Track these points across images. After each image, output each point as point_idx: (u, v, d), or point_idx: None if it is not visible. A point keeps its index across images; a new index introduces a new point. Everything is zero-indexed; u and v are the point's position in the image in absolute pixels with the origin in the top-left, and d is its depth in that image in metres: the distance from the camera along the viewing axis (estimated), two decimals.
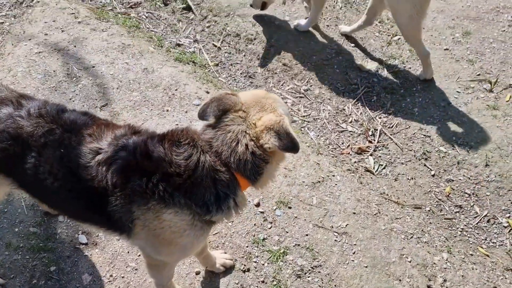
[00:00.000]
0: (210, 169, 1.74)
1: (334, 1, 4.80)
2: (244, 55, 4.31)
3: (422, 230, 3.09)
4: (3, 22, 4.30)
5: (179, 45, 4.37)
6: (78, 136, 1.81)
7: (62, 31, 4.13)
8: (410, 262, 2.83)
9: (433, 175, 3.49)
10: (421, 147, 3.64)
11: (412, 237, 3.01)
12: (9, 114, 1.84)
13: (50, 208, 2.42)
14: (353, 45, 4.44)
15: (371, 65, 4.27)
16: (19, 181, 1.96)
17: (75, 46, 3.97)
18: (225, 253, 2.73)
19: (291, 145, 1.71)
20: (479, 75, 4.07)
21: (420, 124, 3.78)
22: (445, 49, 4.31)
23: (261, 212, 2.96)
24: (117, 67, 3.81)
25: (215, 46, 4.38)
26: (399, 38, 4.51)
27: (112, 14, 4.55)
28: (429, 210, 3.28)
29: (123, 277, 2.64)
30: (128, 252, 2.74)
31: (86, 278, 2.62)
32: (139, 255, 2.73)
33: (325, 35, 4.44)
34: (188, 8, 4.66)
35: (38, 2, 4.48)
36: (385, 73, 4.20)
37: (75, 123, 1.86)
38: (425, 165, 3.56)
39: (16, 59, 3.79)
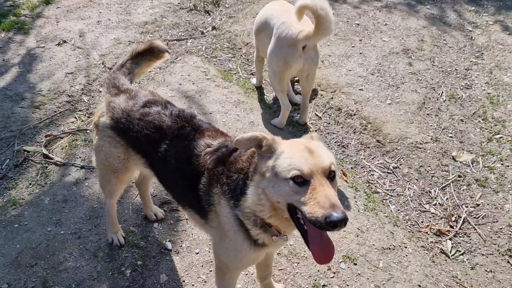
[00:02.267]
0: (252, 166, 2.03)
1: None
2: (342, 127, 4.69)
3: None
4: (151, 71, 5.32)
5: None
6: (200, 134, 2.32)
7: (193, 83, 4.98)
8: None
9: None
10: (506, 243, 3.51)
11: None
12: (158, 111, 2.45)
13: (164, 187, 2.75)
14: (451, 135, 4.56)
15: (467, 157, 4.32)
16: (150, 161, 2.52)
17: (200, 96, 4.75)
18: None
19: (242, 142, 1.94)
20: None
21: (510, 221, 3.67)
22: None
23: None
24: (229, 117, 4.45)
25: (317, 115, 4.84)
26: (501, 137, 4.52)
27: (235, 77, 5.34)
28: None
29: (193, 285, 2.97)
30: (202, 266, 3.09)
31: (163, 277, 3.00)
32: (210, 270, 3.06)
33: (426, 122, 4.64)
34: (299, 81, 5.27)
35: (180, 60, 5.47)
36: (480, 166, 4.21)
37: (200, 126, 2.39)
38: (508, 261, 3.41)
39: None
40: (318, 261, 1.87)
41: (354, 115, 4.75)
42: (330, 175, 1.83)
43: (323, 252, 1.85)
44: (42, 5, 6.40)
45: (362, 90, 5.03)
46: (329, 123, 4.75)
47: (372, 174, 4.15)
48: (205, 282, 2.99)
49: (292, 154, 1.84)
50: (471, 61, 5.74)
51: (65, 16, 6.16)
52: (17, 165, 3.90)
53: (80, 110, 4.62)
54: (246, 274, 3.05)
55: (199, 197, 2.20)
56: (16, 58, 5.25)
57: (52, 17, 6.10)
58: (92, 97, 4.82)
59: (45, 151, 4.02)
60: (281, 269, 3.08)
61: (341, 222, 1.67)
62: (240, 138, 1.90)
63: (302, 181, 1.78)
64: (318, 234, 1.84)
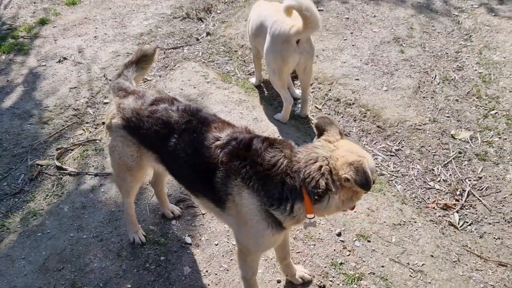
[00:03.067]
0: (284, 171, 2.18)
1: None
2: (342, 117, 4.83)
3: (505, 285, 3.07)
4: (151, 79, 5.46)
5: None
6: (207, 127, 2.45)
7: (194, 87, 5.13)
8: None
9: None
10: (511, 211, 3.65)
11: None
12: (165, 108, 2.58)
13: (177, 179, 2.87)
14: (448, 115, 4.71)
15: (465, 134, 4.47)
16: (161, 156, 2.64)
17: (202, 98, 4.89)
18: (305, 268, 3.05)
19: (365, 182, 2.00)
20: None
21: None
22: None
23: (342, 241, 3.26)
24: (233, 115, 4.59)
25: (317, 108, 4.99)
26: (496, 112, 4.68)
27: (234, 78, 5.49)
28: None
29: (216, 274, 3.09)
30: (223, 256, 3.21)
31: (186, 269, 3.12)
32: (231, 259, 3.18)
33: (423, 105, 4.80)
34: (297, 77, 5.41)
35: (179, 67, 5.62)
36: (478, 142, 4.36)
37: (206, 118, 2.52)
38: None
39: None
40: None
41: (353, 104, 4.90)
42: None
43: None
44: (38, 26, 6.54)
45: (358, 80, 5.18)
46: (329, 113, 4.89)
47: (376, 158, 4.29)
48: (227, 270, 3.11)
49: (372, 170, 2.11)
50: (460, 44, 5.92)
51: (62, 34, 6.30)
52: (32, 179, 4.02)
53: (87, 122, 4.74)
54: (266, 259, 3.17)
55: (214, 187, 2.32)
56: (19, 78, 5.38)
57: (49, 36, 6.25)
58: (97, 109, 4.96)
59: (58, 163, 4.14)
60: (299, 252, 3.20)
61: None
62: (365, 182, 2.03)
63: None
64: None
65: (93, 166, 4.10)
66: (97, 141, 4.42)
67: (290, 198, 2.17)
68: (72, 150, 4.35)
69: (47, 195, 3.83)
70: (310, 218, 2.28)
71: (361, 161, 2.04)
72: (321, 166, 2.13)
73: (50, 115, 4.79)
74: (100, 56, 5.79)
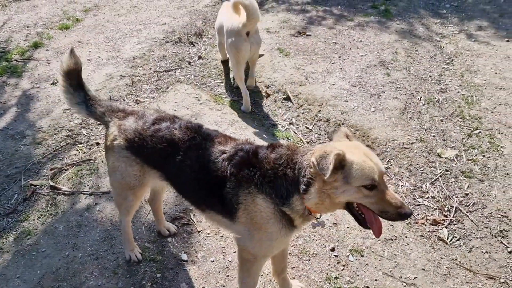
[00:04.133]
0: (286, 162, 2.27)
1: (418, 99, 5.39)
2: None
3: None
4: (144, 101, 5.55)
5: (274, 125, 5.20)
6: (211, 142, 2.53)
7: (187, 108, 5.23)
8: None
9: (510, 252, 3.57)
10: (497, 226, 3.77)
11: None
12: (167, 126, 2.65)
13: (182, 195, 2.90)
14: (434, 135, 4.88)
15: (451, 153, 4.63)
16: (166, 174, 2.70)
17: (196, 119, 4.99)
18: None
19: (323, 167, 2.03)
20: None
21: (498, 205, 3.95)
22: None
23: (336, 256, 3.33)
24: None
25: (308, 128, 5.12)
26: (479, 132, 4.87)
27: (226, 100, 5.61)
28: (503, 282, 3.33)
29: None
30: (219, 272, 3.25)
31: (183, 286, 3.14)
32: (227, 275, 3.21)
33: (410, 125, 4.97)
34: (287, 98, 5.58)
35: (171, 89, 5.73)
36: (464, 160, 4.52)
37: (209, 134, 2.61)
38: (501, 242, 3.66)
39: None
40: (376, 233, 2.26)
41: (342, 124, 5.05)
42: None
43: (378, 227, 2.26)
44: (31, 49, 6.63)
45: (347, 101, 5.35)
46: (320, 134, 5.03)
47: None
48: (223, 286, 3.14)
49: (362, 165, 2.10)
50: (443, 68, 6.17)
51: (56, 57, 6.39)
52: (25, 198, 4.03)
53: (80, 143, 4.78)
54: (262, 275, 3.21)
55: (223, 199, 2.39)
56: (13, 100, 5.42)
57: (43, 59, 6.33)
58: (91, 130, 5.00)
59: (52, 183, 4.16)
60: (294, 267, 3.26)
61: (411, 215, 2.25)
62: (325, 167, 2.05)
63: (371, 187, 2.11)
64: (373, 216, 2.24)
65: (87, 185, 4.12)
66: (92, 161, 4.46)
67: (292, 191, 2.26)
68: (66, 170, 4.37)
69: (41, 215, 3.83)
70: (317, 218, 2.37)
71: (333, 151, 2.05)
72: (310, 157, 2.17)
73: (43, 135, 4.82)
74: (94, 78, 5.88)
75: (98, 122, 3.43)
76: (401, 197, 4.14)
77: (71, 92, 3.07)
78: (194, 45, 6.90)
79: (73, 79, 3.05)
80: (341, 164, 2.08)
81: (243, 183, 2.34)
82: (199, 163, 2.48)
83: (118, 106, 3.00)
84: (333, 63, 6.13)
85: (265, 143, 2.56)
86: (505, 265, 3.47)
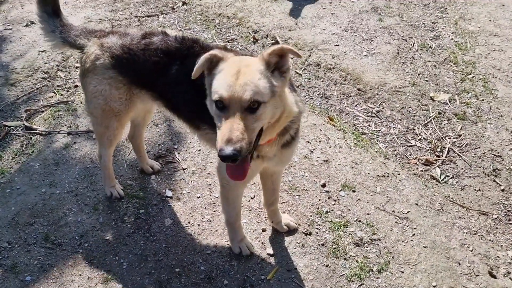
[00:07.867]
0: None
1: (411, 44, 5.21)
2: (323, 81, 4.78)
3: (487, 231, 3.09)
4: None
5: None
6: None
7: None
8: (471, 251, 2.85)
9: (502, 190, 3.51)
10: (490, 165, 3.69)
11: (475, 234, 3.03)
12: (161, 39, 2.45)
13: (172, 112, 2.71)
14: (427, 79, 4.73)
15: (444, 96, 4.50)
16: (158, 92, 2.52)
17: None
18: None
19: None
20: None
21: (491, 146, 3.86)
22: None
23: (327, 191, 3.21)
24: None
25: (297, 73, 4.92)
26: (473, 76, 4.73)
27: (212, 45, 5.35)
28: (496, 218, 3.27)
29: (198, 225, 2.99)
30: (205, 208, 3.11)
31: (168, 221, 3.00)
32: (214, 211, 3.08)
33: (402, 69, 4.80)
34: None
35: None
36: (457, 103, 4.39)
37: (208, 45, 2.42)
38: (494, 180, 3.59)
39: None
40: (230, 177, 1.98)
41: (333, 68, 4.86)
42: (253, 106, 1.82)
43: (234, 170, 1.95)
44: None
45: (338, 45, 5.14)
46: (310, 78, 4.84)
47: (357, 119, 4.27)
48: (210, 221, 3.01)
49: (223, 77, 1.87)
50: (436, 16, 5.96)
51: (30, 0, 5.99)
52: None
53: (58, 86, 4.52)
54: (250, 210, 3.08)
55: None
56: None
57: (16, 2, 5.92)
58: (69, 72, 4.73)
59: (27, 124, 3.92)
60: (284, 202, 3.13)
61: (228, 159, 1.72)
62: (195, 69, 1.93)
63: (222, 106, 1.84)
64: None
65: (65, 125, 3.90)
66: (70, 102, 4.21)
67: None
68: (42, 111, 4.13)
69: (15, 154, 3.62)
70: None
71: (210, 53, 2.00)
72: None
73: (17, 77, 4.53)
74: (71, 21, 5.51)
75: (73, 49, 3.18)
76: (392, 138, 4.03)
77: (45, 20, 2.87)
78: None
79: (48, 4, 2.81)
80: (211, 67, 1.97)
81: None
82: None
83: (95, 28, 2.76)
84: (324, 8, 5.87)
85: None
86: (498, 202, 3.41)
